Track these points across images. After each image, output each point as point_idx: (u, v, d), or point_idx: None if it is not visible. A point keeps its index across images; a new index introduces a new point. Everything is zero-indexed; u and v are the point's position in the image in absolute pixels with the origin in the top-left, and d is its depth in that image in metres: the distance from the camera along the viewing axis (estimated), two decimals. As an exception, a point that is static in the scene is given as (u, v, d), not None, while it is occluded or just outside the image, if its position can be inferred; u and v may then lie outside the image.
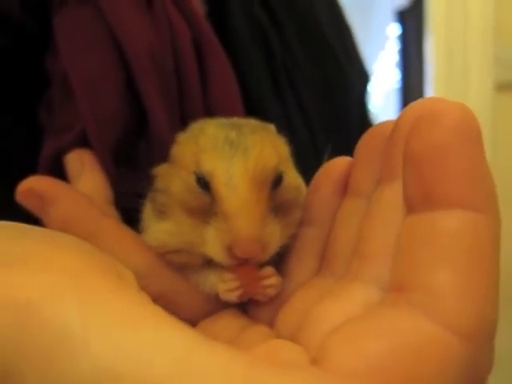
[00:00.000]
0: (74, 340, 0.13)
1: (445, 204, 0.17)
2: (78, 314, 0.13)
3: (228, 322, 0.24)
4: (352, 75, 0.50)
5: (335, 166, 0.25)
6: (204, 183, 0.23)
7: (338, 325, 0.17)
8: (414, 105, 0.20)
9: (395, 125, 0.20)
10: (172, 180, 0.25)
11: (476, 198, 0.17)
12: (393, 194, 0.19)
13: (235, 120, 0.27)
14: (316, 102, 0.45)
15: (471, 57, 1.42)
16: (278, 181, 0.24)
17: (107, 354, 0.13)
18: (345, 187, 0.24)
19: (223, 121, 0.27)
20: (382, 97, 2.28)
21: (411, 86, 2.10)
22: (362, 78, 0.53)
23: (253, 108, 0.36)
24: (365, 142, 0.23)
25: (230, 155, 0.23)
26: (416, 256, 0.17)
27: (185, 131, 0.27)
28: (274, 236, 0.23)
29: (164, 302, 0.25)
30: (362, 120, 0.51)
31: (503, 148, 1.46)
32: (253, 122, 0.27)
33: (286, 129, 0.28)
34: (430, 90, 1.54)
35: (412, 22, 2.16)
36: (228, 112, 0.32)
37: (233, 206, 0.22)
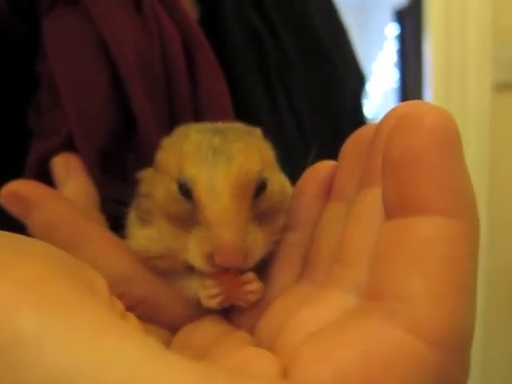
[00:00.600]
0: (26, 349, 0.13)
1: (420, 210, 0.17)
2: (32, 324, 0.13)
3: (208, 328, 0.24)
4: (347, 77, 0.49)
5: (320, 170, 0.25)
6: (186, 190, 0.23)
7: (310, 333, 0.17)
8: (396, 108, 0.20)
9: (377, 128, 0.20)
10: (156, 186, 0.25)
11: (452, 205, 0.16)
12: (373, 200, 0.19)
13: (220, 125, 0.27)
14: (309, 104, 0.45)
15: (470, 57, 1.42)
16: (261, 188, 0.24)
17: (60, 363, 0.13)
18: (329, 191, 0.24)
19: (208, 126, 0.26)
20: (381, 96, 2.27)
21: (409, 86, 2.09)
22: (358, 79, 0.53)
23: (244, 110, 0.36)
24: (349, 146, 0.23)
25: (213, 162, 0.23)
26: (391, 263, 0.17)
27: (169, 136, 0.27)
28: (257, 244, 0.23)
29: (146, 306, 0.25)
30: (356, 122, 0.51)
31: (502, 148, 1.45)
32: (238, 127, 0.27)
33: (277, 131, 0.28)
34: (429, 90, 1.54)
35: (410, 21, 2.15)
36: (218, 115, 0.32)
37: (214, 214, 0.22)
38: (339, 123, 0.47)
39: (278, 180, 0.27)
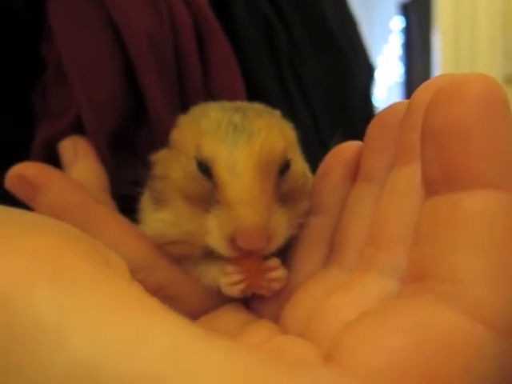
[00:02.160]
0: (49, 333, 0.11)
1: (470, 184, 0.15)
2: (53, 305, 0.12)
3: (230, 317, 0.22)
4: (358, 68, 0.48)
5: (345, 150, 0.23)
6: (205, 169, 0.22)
7: (352, 319, 0.16)
8: (430, 81, 0.18)
9: (410, 104, 0.19)
10: (171, 166, 0.24)
11: (504, 177, 0.15)
12: (409, 177, 0.18)
13: (239, 103, 0.25)
14: (320, 93, 0.44)
15: (479, 50, 1.40)
16: (284, 168, 0.23)
17: (85, 348, 0.11)
18: (355, 172, 0.23)
19: (226, 104, 0.25)
20: (386, 90, 2.26)
21: (415, 80, 2.08)
22: (367, 70, 0.52)
23: (255, 96, 0.35)
24: (376, 124, 0.22)
25: (234, 140, 0.22)
26: (439, 241, 0.15)
27: (186, 114, 0.25)
28: (281, 226, 0.22)
29: (162, 295, 0.23)
30: (366, 112, 0.50)
31: None
32: (258, 106, 0.25)
33: (289, 118, 0.26)
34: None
35: (416, 15, 2.14)
36: (230, 98, 0.31)
37: (236, 194, 0.21)
38: (351, 113, 0.46)
39: (300, 162, 0.25)
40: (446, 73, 0.19)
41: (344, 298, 0.18)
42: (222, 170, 0.21)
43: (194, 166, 0.22)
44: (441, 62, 1.51)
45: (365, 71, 0.51)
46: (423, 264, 0.15)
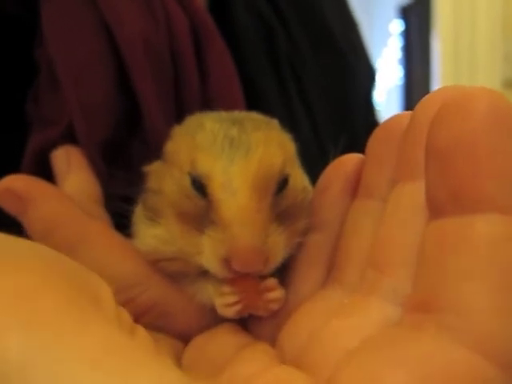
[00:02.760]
0: (10, 382, 0.10)
1: (479, 206, 0.14)
2: (18, 351, 0.11)
3: (225, 339, 0.22)
4: (358, 70, 0.48)
5: (345, 164, 0.22)
6: (200, 186, 0.21)
7: (351, 349, 0.15)
8: (434, 93, 0.17)
9: (413, 116, 0.18)
10: (165, 180, 0.23)
11: None
12: (413, 195, 0.17)
13: (237, 114, 0.24)
14: (320, 94, 0.43)
15: (479, 53, 1.40)
16: (282, 184, 0.22)
17: None
18: (355, 187, 0.22)
19: (223, 115, 0.24)
20: (385, 94, 2.25)
21: (414, 83, 2.07)
22: (369, 72, 0.51)
23: (254, 101, 0.34)
24: (378, 137, 0.21)
25: (230, 155, 0.21)
26: (445, 268, 0.14)
27: (180, 125, 0.25)
28: (278, 246, 0.21)
29: (155, 313, 0.23)
30: (367, 117, 0.49)
31: None
32: (256, 117, 0.24)
33: (289, 124, 0.25)
34: (437, 86, 1.52)
35: (415, 18, 2.13)
36: (228, 104, 0.30)
37: (231, 213, 0.20)
38: (352, 116, 0.45)
39: (300, 176, 0.24)
40: (450, 85, 0.18)
41: (344, 324, 0.17)
42: (216, 188, 0.20)
43: (188, 182, 0.21)
44: (440, 66, 1.50)
45: (366, 73, 0.50)
46: (427, 292, 0.15)
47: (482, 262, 0.14)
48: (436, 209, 0.16)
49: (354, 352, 0.14)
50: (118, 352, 0.11)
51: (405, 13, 2.23)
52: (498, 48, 1.39)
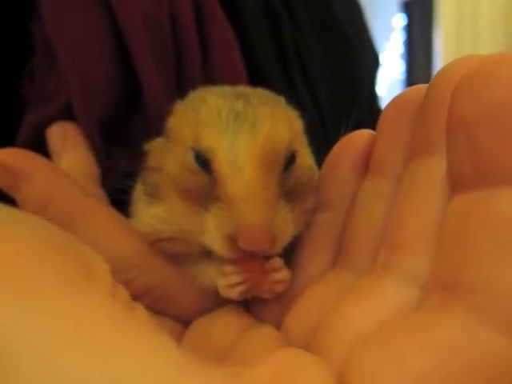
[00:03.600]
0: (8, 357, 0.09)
1: (504, 180, 0.13)
2: (5, 329, 0.10)
3: (228, 322, 0.21)
4: (363, 56, 0.47)
5: (355, 140, 0.21)
6: (204, 161, 0.20)
7: (366, 332, 0.14)
8: (452, 64, 0.16)
9: (430, 89, 0.17)
10: (167, 157, 0.22)
11: None
12: (431, 171, 0.16)
13: (241, 89, 0.23)
14: (325, 80, 0.42)
15: (481, 47, 1.39)
16: (290, 161, 0.21)
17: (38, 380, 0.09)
18: (366, 165, 0.20)
19: (228, 89, 0.23)
20: (387, 88, 2.24)
21: (416, 78, 2.06)
22: (373, 59, 0.50)
23: (257, 81, 0.33)
24: (390, 112, 0.19)
25: (235, 130, 0.20)
26: (471, 245, 0.13)
27: (183, 100, 0.23)
28: (286, 225, 0.20)
29: (154, 296, 0.22)
30: (371, 104, 0.48)
31: None
32: (261, 92, 0.23)
33: (293, 106, 0.24)
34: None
35: (418, 12, 2.12)
36: (230, 80, 0.29)
37: (237, 190, 0.19)
38: (356, 100, 0.44)
39: (307, 154, 0.23)
40: (469, 54, 0.17)
41: (357, 307, 0.16)
42: (222, 164, 0.19)
43: (191, 157, 0.20)
44: (442, 60, 1.49)
45: (370, 59, 0.49)
46: (452, 271, 0.13)
47: (510, 239, 0.13)
48: (459, 183, 0.14)
49: (373, 335, 0.13)
50: (113, 331, 0.10)
51: (407, 7, 2.22)
52: (500, 42, 1.38)
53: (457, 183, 0.15)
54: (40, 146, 0.28)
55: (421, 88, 0.18)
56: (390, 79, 2.24)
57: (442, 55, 1.51)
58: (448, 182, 0.15)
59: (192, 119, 0.21)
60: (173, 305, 0.22)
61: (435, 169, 0.16)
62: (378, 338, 0.13)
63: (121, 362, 0.10)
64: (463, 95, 0.14)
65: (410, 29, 2.19)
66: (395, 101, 0.19)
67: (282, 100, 0.24)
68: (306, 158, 0.22)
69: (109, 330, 0.10)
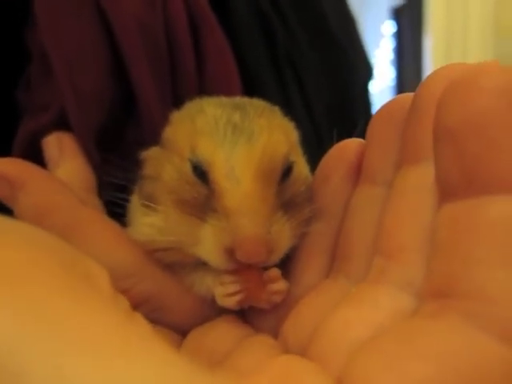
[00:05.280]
0: (8, 372, 0.09)
1: (494, 188, 0.13)
2: (8, 344, 0.09)
3: (225, 331, 0.21)
4: (356, 64, 0.47)
5: (346, 149, 0.21)
6: (201, 172, 0.20)
7: (363, 338, 0.14)
8: (438, 72, 0.17)
9: (416, 96, 0.17)
10: (163, 166, 0.22)
11: None
12: (420, 178, 0.16)
13: (238, 100, 0.24)
14: (319, 88, 0.43)
15: (471, 54, 1.41)
16: (287, 172, 0.21)
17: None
18: (358, 173, 0.21)
19: (224, 100, 0.23)
20: (377, 94, 2.25)
21: (406, 84, 2.08)
22: (366, 68, 0.51)
23: (251, 92, 0.33)
24: (379, 120, 0.20)
25: (233, 141, 0.20)
26: (463, 253, 0.13)
27: (179, 110, 0.24)
28: (283, 236, 0.20)
29: (151, 305, 0.22)
30: (365, 111, 0.49)
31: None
32: (258, 103, 0.23)
33: (286, 115, 0.25)
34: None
35: (407, 19, 2.14)
36: (225, 90, 0.29)
37: (235, 201, 0.19)
38: (350, 108, 0.45)
39: (303, 164, 0.23)
40: (454, 62, 0.17)
41: (352, 313, 0.16)
42: (219, 175, 0.19)
43: (188, 168, 0.20)
44: (432, 67, 1.51)
45: (363, 67, 0.50)
46: (445, 278, 0.14)
47: (501, 245, 0.13)
48: (448, 191, 0.15)
49: (371, 343, 0.13)
50: (119, 338, 0.10)
51: (397, 14, 2.24)
52: (489, 49, 1.40)
53: (445, 191, 0.15)
54: (36, 155, 0.28)
55: (408, 96, 0.18)
56: (379, 86, 2.26)
57: (431, 62, 1.52)
58: (437, 189, 0.15)
59: (189, 129, 0.21)
60: (170, 314, 0.22)
61: (424, 176, 0.16)
62: (376, 344, 0.13)
63: (131, 370, 0.10)
64: (448, 105, 0.15)
65: (399, 35, 2.21)
66: (384, 109, 0.20)
67: (277, 110, 0.24)
68: (302, 168, 0.23)
69: (116, 338, 0.10)
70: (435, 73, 0.17)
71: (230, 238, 0.19)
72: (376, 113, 0.20)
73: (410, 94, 0.18)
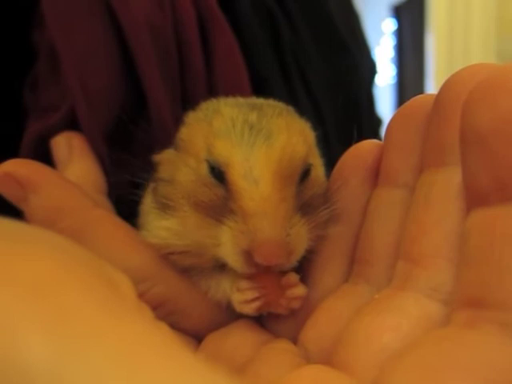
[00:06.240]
0: None
1: None
2: (44, 360, 0.09)
3: (243, 336, 0.20)
4: (361, 63, 0.47)
5: (363, 151, 0.21)
6: (218, 174, 0.20)
7: (392, 347, 0.14)
8: (461, 73, 0.16)
9: (439, 97, 0.17)
10: (179, 168, 0.21)
11: None
12: (446, 182, 0.16)
13: (254, 100, 0.23)
14: (325, 87, 0.42)
15: (473, 52, 1.40)
16: (305, 174, 0.20)
17: None
18: (375, 175, 0.20)
19: (240, 100, 0.23)
20: (377, 92, 2.25)
21: (406, 82, 2.08)
22: (371, 67, 0.51)
23: (258, 91, 0.33)
24: (398, 122, 0.19)
25: (250, 141, 0.19)
26: (496, 262, 0.13)
27: (195, 111, 0.23)
28: (301, 239, 0.20)
29: (166, 309, 0.21)
30: (370, 110, 0.49)
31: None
32: (274, 103, 0.23)
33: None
34: (431, 84, 1.52)
35: (408, 17, 2.14)
36: (234, 92, 0.29)
37: (253, 203, 0.19)
38: (356, 107, 0.45)
39: (321, 166, 0.23)
40: (479, 62, 0.17)
41: (379, 321, 0.16)
42: (237, 176, 0.19)
43: (205, 169, 0.20)
44: (434, 64, 1.50)
45: (368, 66, 0.49)
46: (479, 286, 0.13)
47: None
48: (477, 197, 0.14)
49: (405, 352, 0.13)
50: (153, 350, 0.10)
51: (398, 12, 2.23)
52: (491, 46, 1.40)
53: (475, 196, 0.15)
54: (43, 156, 0.27)
55: (429, 97, 0.18)
56: (380, 84, 2.25)
57: (433, 59, 1.52)
58: (464, 193, 0.15)
59: (205, 130, 0.21)
60: (184, 318, 0.22)
61: (451, 180, 0.16)
62: (411, 354, 0.13)
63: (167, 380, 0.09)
64: (476, 107, 0.14)
65: (400, 33, 2.20)
66: (402, 110, 0.19)
67: (294, 111, 0.24)
68: (319, 170, 0.22)
69: (151, 350, 0.10)
70: (458, 73, 0.16)
71: (248, 241, 0.19)
72: (395, 113, 0.20)
73: (431, 95, 0.18)
